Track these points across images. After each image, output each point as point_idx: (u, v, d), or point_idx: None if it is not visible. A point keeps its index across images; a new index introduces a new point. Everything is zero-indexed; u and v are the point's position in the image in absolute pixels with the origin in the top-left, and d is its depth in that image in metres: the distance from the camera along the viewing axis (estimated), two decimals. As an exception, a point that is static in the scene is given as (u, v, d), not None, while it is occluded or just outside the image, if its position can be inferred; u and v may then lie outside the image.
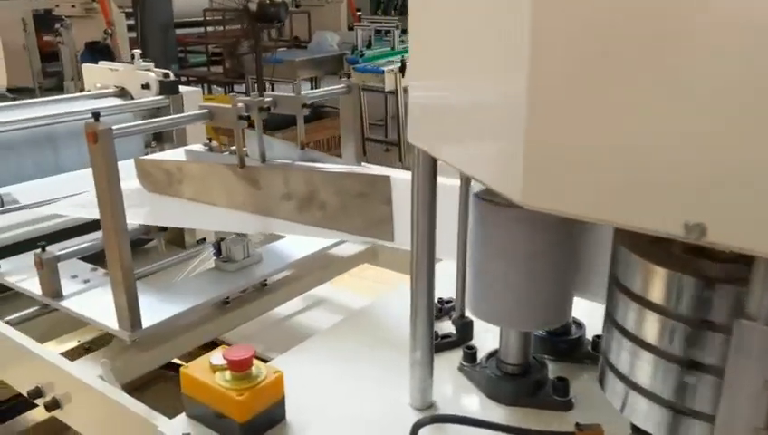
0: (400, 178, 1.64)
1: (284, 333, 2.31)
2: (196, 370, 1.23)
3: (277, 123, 5.64)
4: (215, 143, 2.78)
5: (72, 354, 2.08)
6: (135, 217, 2.01)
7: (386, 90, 6.34)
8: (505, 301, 1.23)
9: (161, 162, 2.01)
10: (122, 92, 3.18)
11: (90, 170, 2.46)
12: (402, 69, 6.32)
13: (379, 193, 1.65)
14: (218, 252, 2.13)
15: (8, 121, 2.51)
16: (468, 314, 1.43)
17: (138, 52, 3.10)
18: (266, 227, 1.85)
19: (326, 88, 2.27)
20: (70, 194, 2.22)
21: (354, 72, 6.44)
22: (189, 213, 1.95)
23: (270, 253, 2.17)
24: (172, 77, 3.01)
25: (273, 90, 8.13)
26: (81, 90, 8.13)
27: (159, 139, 3.10)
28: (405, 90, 6.52)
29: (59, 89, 9.19)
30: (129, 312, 1.69)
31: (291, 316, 2.41)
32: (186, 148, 2.35)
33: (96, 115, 1.60)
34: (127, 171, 2.23)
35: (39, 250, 1.90)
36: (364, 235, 1.71)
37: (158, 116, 3.05)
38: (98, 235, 2.35)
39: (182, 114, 1.81)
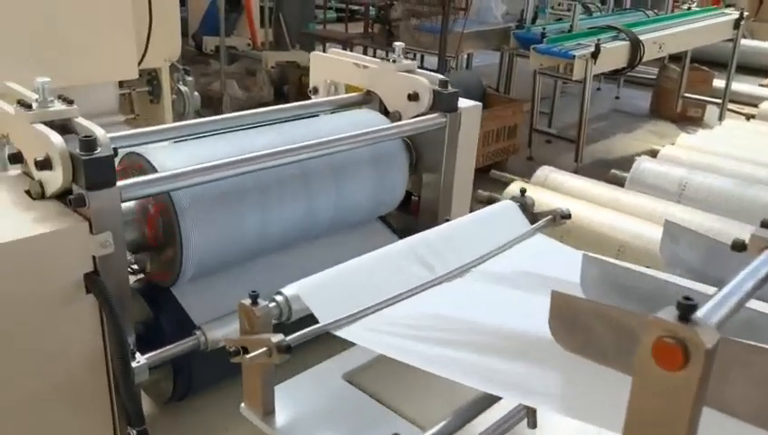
0: None
1: None
2: None
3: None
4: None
5: None
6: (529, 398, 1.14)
7: (574, 78, 5.26)
8: None
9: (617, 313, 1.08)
10: (367, 98, 2.28)
11: (388, 255, 1.56)
12: (595, 55, 5.23)
13: None
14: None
15: (253, 158, 1.63)
16: None
17: (400, 45, 2.17)
18: None
19: None
20: (387, 301, 1.35)
21: (534, 53, 5.37)
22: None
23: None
24: (450, 89, 2.08)
25: (422, 62, 7.13)
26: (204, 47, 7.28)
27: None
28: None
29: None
30: None
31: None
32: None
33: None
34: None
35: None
36: None
37: (420, 142, 2.15)
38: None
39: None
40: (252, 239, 1.72)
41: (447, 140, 2.09)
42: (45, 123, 1.45)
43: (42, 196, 1.47)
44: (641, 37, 5.65)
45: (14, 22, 2.63)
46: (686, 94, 6.90)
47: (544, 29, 5.64)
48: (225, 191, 1.63)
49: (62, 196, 1.43)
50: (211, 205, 1.61)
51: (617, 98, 7.81)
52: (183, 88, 3.57)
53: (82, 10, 2.78)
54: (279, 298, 1.31)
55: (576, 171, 5.66)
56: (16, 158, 1.57)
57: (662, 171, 4.45)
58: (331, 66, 2.35)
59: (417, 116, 2.09)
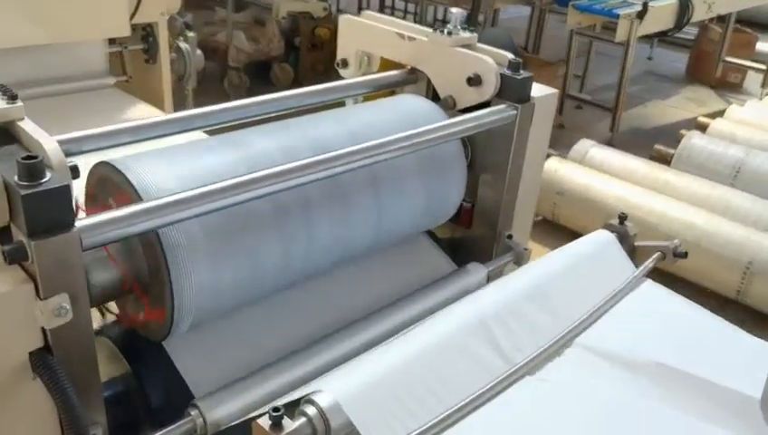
0: None
1: None
2: None
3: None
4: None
5: None
6: None
7: (616, 40, 4.71)
8: None
9: None
10: (411, 77, 1.80)
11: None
12: (641, 14, 4.66)
13: None
14: None
15: (272, 176, 1.17)
16: None
17: (459, 12, 1.68)
18: None
19: None
20: (458, 411, 0.92)
21: (574, 10, 4.79)
22: None
23: None
24: (524, 73, 1.60)
25: (444, 15, 6.52)
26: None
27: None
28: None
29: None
30: None
31: None
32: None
33: None
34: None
35: None
36: None
37: (477, 135, 1.66)
38: None
39: None
40: (269, 275, 1.27)
41: (516, 136, 1.62)
42: (-27, 130, 0.99)
43: (-30, 233, 1.02)
44: (690, -5, 5.06)
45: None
46: (728, 58, 6.32)
47: (582, -17, 5.03)
48: (233, 217, 1.18)
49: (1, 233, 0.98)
50: (213, 236, 1.16)
51: (649, 59, 7.21)
52: (183, 45, 3.06)
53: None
54: (311, 411, 0.88)
55: (611, 141, 5.16)
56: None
57: (716, 151, 3.96)
58: (365, 34, 1.85)
59: (480, 106, 1.61)
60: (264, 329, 1.33)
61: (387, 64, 1.89)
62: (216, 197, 1.09)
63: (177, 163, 1.18)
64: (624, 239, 1.37)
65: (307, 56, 5.64)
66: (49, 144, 0.97)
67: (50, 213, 0.90)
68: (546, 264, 1.28)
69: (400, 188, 1.45)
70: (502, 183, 1.68)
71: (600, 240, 1.34)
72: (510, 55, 1.62)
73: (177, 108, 3.07)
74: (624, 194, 3.57)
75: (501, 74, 1.59)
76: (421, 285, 1.56)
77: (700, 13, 5.14)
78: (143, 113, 2.61)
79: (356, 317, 1.42)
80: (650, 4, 4.70)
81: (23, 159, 0.90)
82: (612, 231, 1.37)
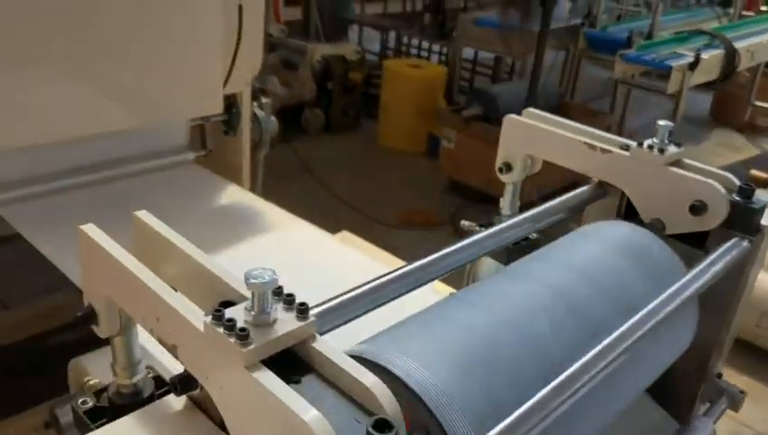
0: None
1: None
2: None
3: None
4: None
5: None
6: None
7: (668, 91, 4.59)
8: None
9: None
10: (600, 191, 1.60)
11: None
12: (693, 66, 4.56)
13: None
14: None
15: (572, 380, 0.95)
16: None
17: (666, 125, 1.48)
18: None
19: None
20: None
21: (621, 61, 4.67)
22: None
23: None
24: (758, 200, 1.41)
25: (475, 59, 6.36)
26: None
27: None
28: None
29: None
30: None
31: None
32: None
33: None
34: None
35: None
36: None
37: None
38: None
39: None
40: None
41: (744, 270, 1.43)
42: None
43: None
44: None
45: (75, 46, 1.87)
46: (757, 102, 6.29)
47: (631, 32, 4.93)
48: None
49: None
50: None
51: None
52: (259, 112, 2.83)
53: (160, 33, 2.03)
54: None
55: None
56: (185, 384, 0.87)
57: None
58: (537, 139, 1.64)
59: (703, 234, 1.42)
60: None
61: (551, 167, 1.71)
62: (534, 417, 0.87)
63: (440, 349, 0.96)
64: None
65: (339, 100, 5.44)
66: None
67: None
68: None
69: (650, 347, 1.24)
70: (717, 319, 1.48)
71: None
72: (735, 179, 1.43)
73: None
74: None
75: (731, 202, 1.40)
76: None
77: (745, 62, 5.08)
78: (233, 196, 2.38)
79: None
80: (701, 55, 4.62)
81: (373, 427, 0.67)
82: None
